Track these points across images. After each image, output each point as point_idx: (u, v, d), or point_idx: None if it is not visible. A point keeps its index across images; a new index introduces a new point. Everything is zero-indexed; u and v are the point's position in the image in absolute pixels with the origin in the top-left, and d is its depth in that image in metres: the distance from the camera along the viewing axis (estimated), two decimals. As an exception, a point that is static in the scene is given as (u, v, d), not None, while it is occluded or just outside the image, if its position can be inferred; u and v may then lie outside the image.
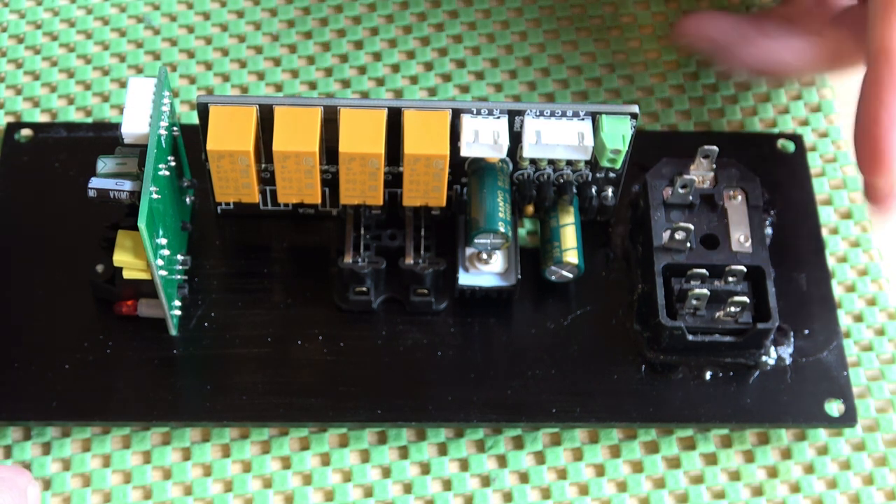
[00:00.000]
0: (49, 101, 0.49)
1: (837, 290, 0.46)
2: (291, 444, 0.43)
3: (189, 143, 0.44)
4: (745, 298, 0.42)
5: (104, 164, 0.41)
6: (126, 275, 0.42)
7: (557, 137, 0.41)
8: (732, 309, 0.43)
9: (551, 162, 0.43)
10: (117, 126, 0.46)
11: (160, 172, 0.40)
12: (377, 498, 0.42)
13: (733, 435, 0.44)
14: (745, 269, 0.43)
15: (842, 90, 0.51)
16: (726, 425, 0.43)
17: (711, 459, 0.44)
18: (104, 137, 0.47)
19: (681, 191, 0.45)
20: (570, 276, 0.45)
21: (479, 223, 0.43)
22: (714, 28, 0.48)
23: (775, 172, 0.48)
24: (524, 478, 0.43)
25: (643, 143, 0.47)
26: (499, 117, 0.41)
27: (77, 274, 0.44)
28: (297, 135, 0.41)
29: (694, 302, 0.43)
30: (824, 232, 0.48)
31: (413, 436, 0.43)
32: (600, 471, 0.43)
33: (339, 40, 0.51)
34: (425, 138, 0.41)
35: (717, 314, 0.43)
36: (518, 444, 0.43)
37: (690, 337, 0.43)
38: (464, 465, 0.43)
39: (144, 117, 0.41)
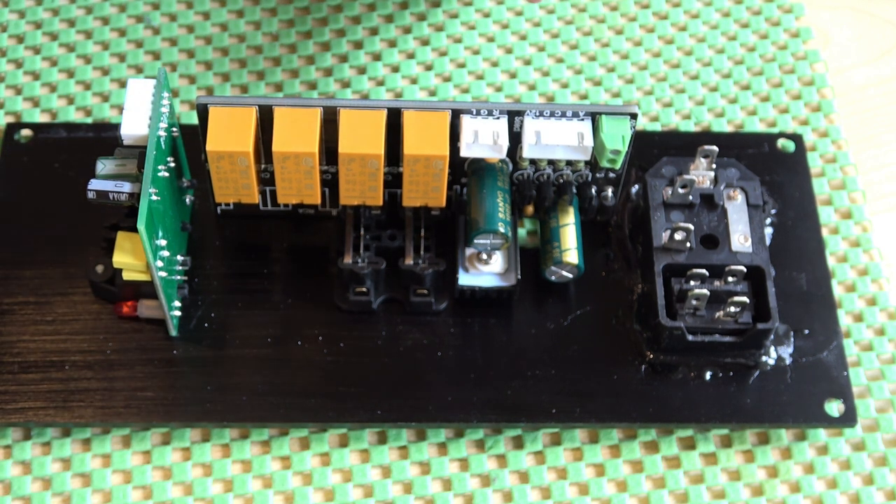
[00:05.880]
0: (49, 101, 0.49)
1: (837, 290, 0.46)
2: (291, 444, 0.43)
3: (189, 143, 0.44)
4: (745, 298, 0.42)
5: (103, 165, 0.41)
6: (126, 276, 0.42)
7: (557, 138, 0.41)
8: (732, 309, 0.43)
9: (551, 162, 0.43)
10: (117, 126, 0.46)
11: (160, 174, 0.40)
12: (377, 498, 0.42)
13: (733, 435, 0.44)
14: (745, 269, 0.43)
15: (842, 90, 0.51)
16: (726, 425, 0.43)
17: (711, 459, 0.43)
18: (104, 138, 0.47)
19: (681, 191, 0.44)
20: (570, 276, 0.45)
21: (478, 223, 0.43)
22: None
23: (775, 172, 0.48)
24: (524, 478, 0.43)
25: (643, 143, 0.47)
26: (498, 118, 0.41)
27: (77, 274, 0.44)
28: (296, 135, 0.41)
29: (694, 302, 0.43)
30: (824, 232, 0.48)
31: (413, 436, 0.43)
32: (600, 471, 0.43)
33: (338, 40, 0.51)
34: (425, 139, 0.41)
35: (717, 314, 0.43)
36: (518, 444, 0.43)
37: (690, 337, 0.43)
38: (464, 465, 0.43)
39: (144, 119, 0.41)
